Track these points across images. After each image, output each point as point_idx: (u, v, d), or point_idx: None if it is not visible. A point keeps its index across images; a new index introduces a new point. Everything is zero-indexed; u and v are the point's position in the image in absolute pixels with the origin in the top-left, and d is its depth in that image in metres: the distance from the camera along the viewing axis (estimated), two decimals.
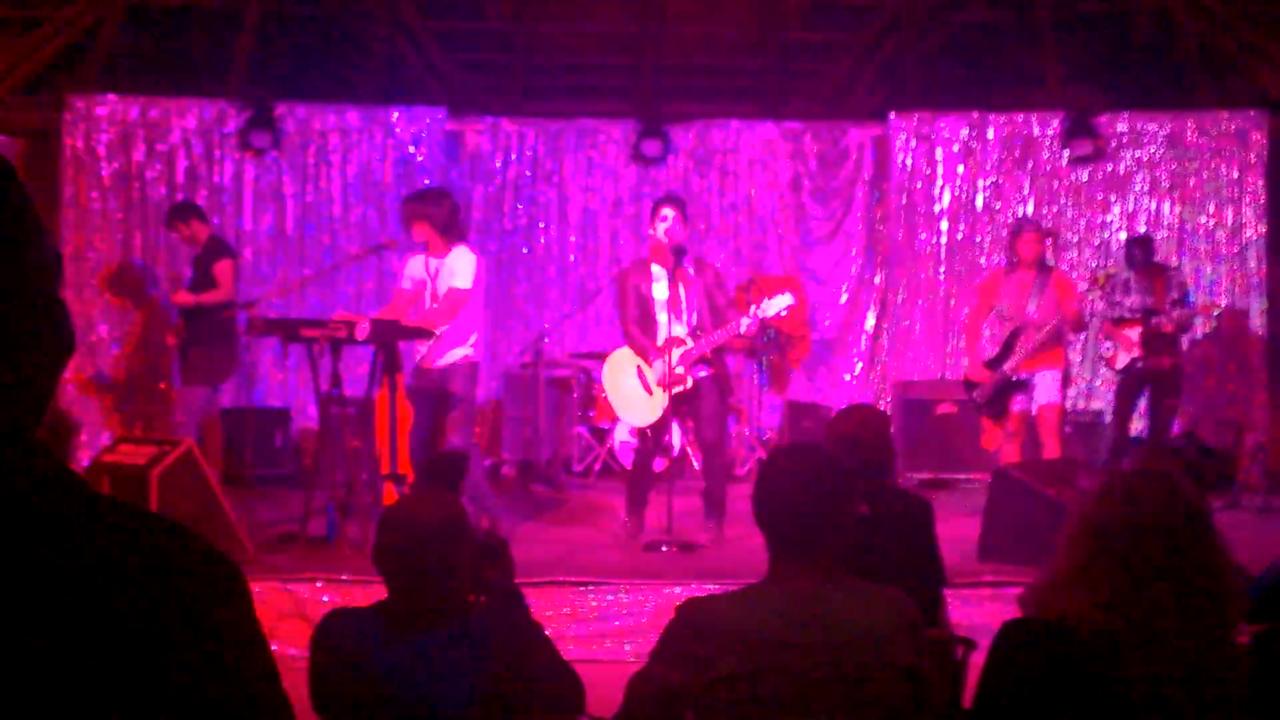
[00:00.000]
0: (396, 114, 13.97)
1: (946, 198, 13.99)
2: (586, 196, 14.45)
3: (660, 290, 9.44)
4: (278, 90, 13.90)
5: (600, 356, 10.62)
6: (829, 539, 3.51)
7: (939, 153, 13.99)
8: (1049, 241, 12.04)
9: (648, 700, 3.57)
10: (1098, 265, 13.38)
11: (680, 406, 9.53)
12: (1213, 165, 13.80)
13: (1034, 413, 10.51)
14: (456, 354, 9.20)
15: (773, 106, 14.92)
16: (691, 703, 3.44)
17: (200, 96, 13.73)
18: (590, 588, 8.20)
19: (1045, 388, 10.39)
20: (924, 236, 14.01)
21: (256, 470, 11.97)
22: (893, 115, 14.09)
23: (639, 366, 9.56)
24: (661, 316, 9.43)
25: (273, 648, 7.25)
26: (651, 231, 9.51)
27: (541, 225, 14.45)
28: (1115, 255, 13.23)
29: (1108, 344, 11.60)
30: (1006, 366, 10.48)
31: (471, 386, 9.32)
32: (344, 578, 8.14)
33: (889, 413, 11.22)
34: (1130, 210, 13.88)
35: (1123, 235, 13.46)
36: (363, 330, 8.57)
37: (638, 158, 14.23)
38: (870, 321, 14.56)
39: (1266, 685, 3.18)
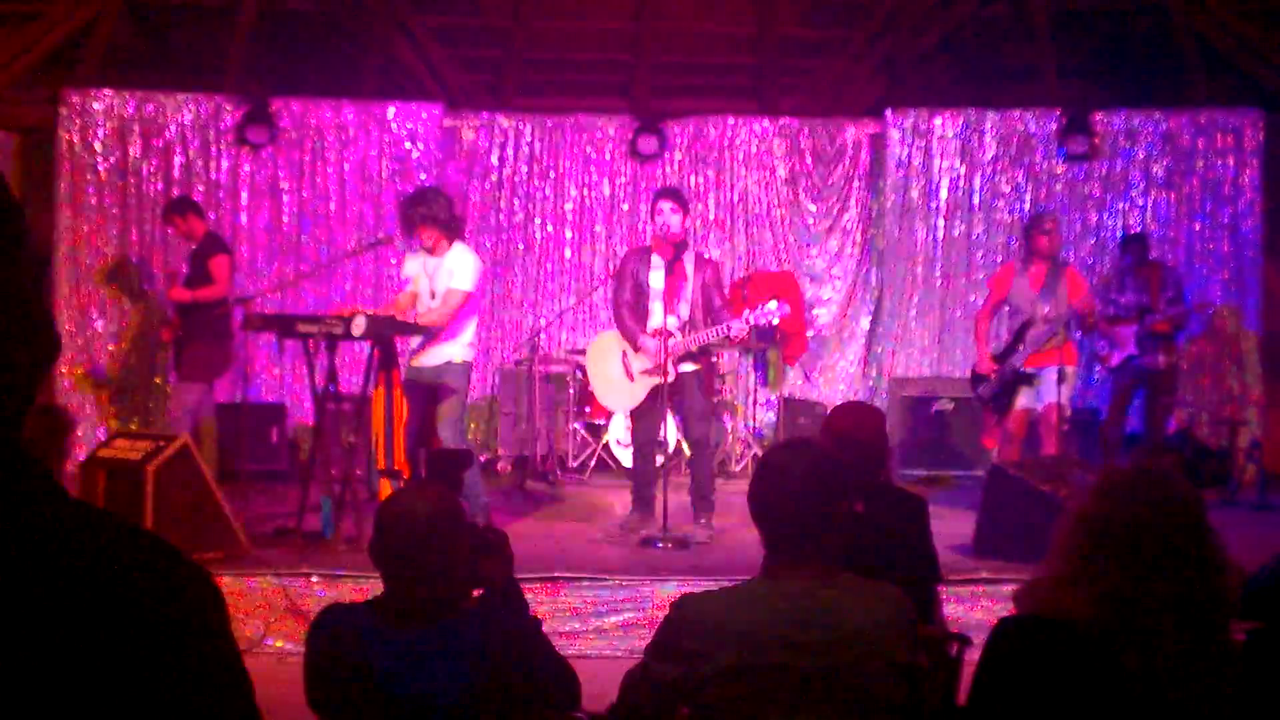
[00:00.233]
0: (393, 110, 13.96)
1: (943, 194, 13.99)
2: (583, 193, 14.44)
3: (656, 280, 9.45)
4: (274, 86, 13.90)
5: None
6: (825, 535, 3.51)
7: (935, 149, 13.99)
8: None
9: (643, 696, 3.57)
10: (1094, 262, 13.39)
11: (668, 400, 9.53)
12: (1209, 163, 13.80)
13: (1038, 410, 10.53)
14: (451, 352, 9.21)
15: (769, 103, 14.91)
16: (687, 698, 3.44)
17: (197, 92, 13.72)
18: (586, 583, 8.21)
19: (1050, 385, 10.41)
20: (920, 233, 14.02)
21: (252, 466, 11.96)
22: (889, 112, 14.09)
23: (624, 352, 9.57)
24: (655, 306, 9.44)
25: (268, 643, 7.29)
26: (652, 225, 9.54)
27: (537, 221, 14.44)
28: (1111, 252, 13.23)
29: (1103, 342, 11.61)
30: (1015, 359, 10.51)
31: (465, 384, 9.34)
32: (339, 573, 8.15)
33: (885, 409, 11.29)
34: (1126, 208, 13.88)
35: (1119, 233, 13.46)
36: (359, 326, 8.57)
37: (634, 154, 14.24)
38: (866, 318, 14.56)
39: (1261, 683, 3.19)
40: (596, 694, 3.90)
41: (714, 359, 10.35)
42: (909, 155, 14.02)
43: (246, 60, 14.14)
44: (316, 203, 13.96)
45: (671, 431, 9.95)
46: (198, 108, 13.72)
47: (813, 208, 14.58)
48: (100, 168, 13.59)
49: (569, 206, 14.45)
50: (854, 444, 5.20)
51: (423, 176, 13.71)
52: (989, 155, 13.98)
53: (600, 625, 8.09)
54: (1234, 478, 11.83)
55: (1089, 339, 11.77)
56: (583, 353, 10.33)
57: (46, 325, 1.47)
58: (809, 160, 14.51)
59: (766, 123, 14.47)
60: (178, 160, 13.73)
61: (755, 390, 13.95)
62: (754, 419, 13.91)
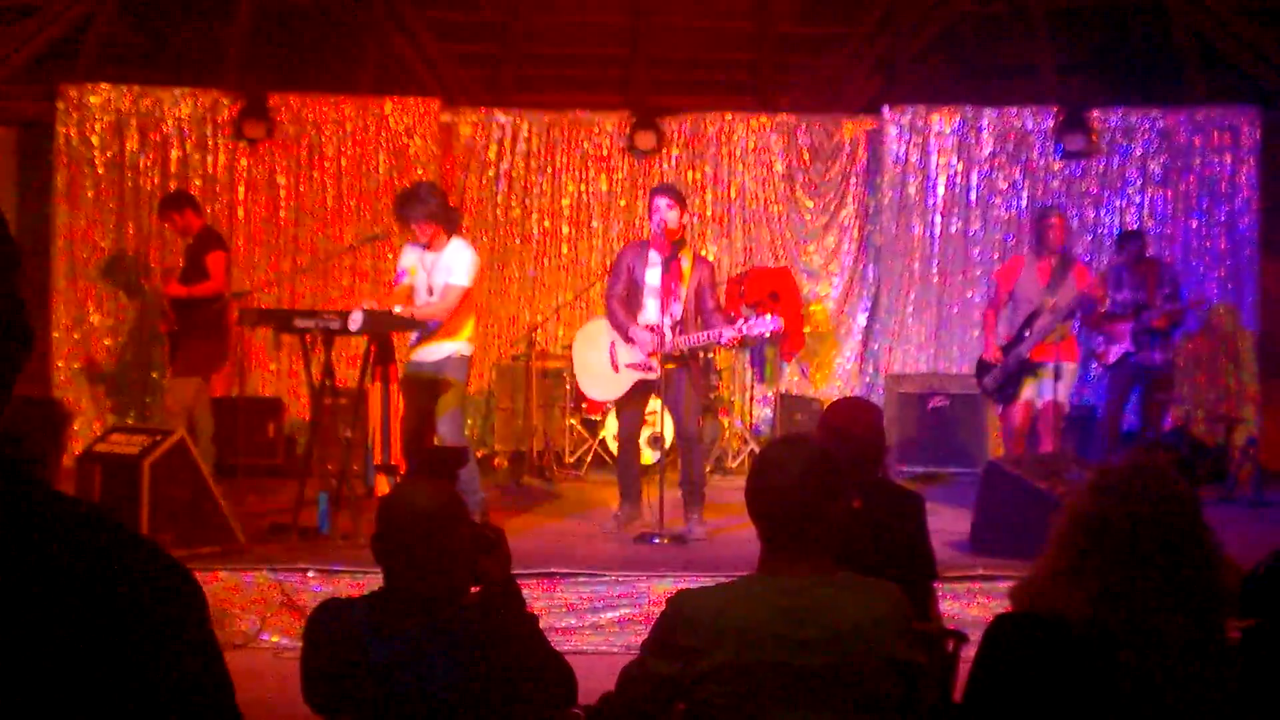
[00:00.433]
0: (390, 105, 13.96)
1: (940, 191, 13.99)
2: (580, 188, 14.44)
3: (652, 276, 9.44)
4: (272, 81, 13.89)
5: None
6: (821, 532, 3.52)
7: (933, 146, 13.99)
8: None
9: (640, 692, 3.57)
10: (1091, 259, 13.40)
11: (661, 396, 9.53)
12: (1206, 160, 13.80)
13: (1038, 405, 10.56)
14: (450, 347, 9.21)
15: (767, 99, 14.90)
16: (683, 694, 3.44)
17: (194, 86, 13.71)
18: (582, 579, 8.22)
19: (1048, 381, 10.45)
20: (917, 230, 14.01)
21: (248, 460, 11.96)
22: (886, 109, 14.08)
23: (612, 342, 9.57)
24: (649, 303, 9.43)
25: (264, 638, 7.30)
26: (650, 222, 9.53)
27: (535, 217, 14.44)
28: (1108, 249, 13.23)
29: (1099, 338, 11.61)
30: (1022, 349, 10.53)
31: (464, 379, 9.34)
32: (336, 568, 8.16)
33: (881, 406, 11.29)
34: (1123, 205, 13.89)
35: (1116, 230, 13.47)
36: (355, 321, 8.58)
37: (631, 150, 14.23)
38: (863, 315, 14.56)
39: (1257, 680, 3.19)
40: (593, 690, 3.90)
41: (709, 355, 10.36)
42: (906, 152, 14.01)
43: (244, 55, 14.13)
44: (313, 198, 13.95)
45: (668, 427, 9.95)
46: (195, 102, 13.72)
47: (810, 204, 14.57)
48: (97, 162, 13.58)
49: (566, 202, 14.44)
50: (851, 440, 5.20)
51: (420, 172, 13.69)
52: (986, 152, 13.97)
53: (597, 621, 8.10)
54: (1230, 475, 11.82)
55: (1087, 335, 11.78)
56: (576, 333, 10.35)
57: (18, 318, 1.45)
58: (806, 156, 14.51)
59: (764, 119, 14.46)
60: (175, 155, 13.72)
61: (752, 386, 13.94)
62: (751, 415, 13.90)
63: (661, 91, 14.91)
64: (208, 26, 14.13)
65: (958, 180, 13.99)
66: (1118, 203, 13.89)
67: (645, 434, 10.41)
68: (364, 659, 3.56)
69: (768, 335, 9.33)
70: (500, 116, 14.38)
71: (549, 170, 14.42)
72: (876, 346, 14.35)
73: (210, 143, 13.78)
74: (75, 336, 13.51)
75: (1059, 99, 13.94)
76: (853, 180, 14.56)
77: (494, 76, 14.97)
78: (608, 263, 12.56)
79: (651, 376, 9.35)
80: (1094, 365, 12.44)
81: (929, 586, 5.48)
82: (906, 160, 14.01)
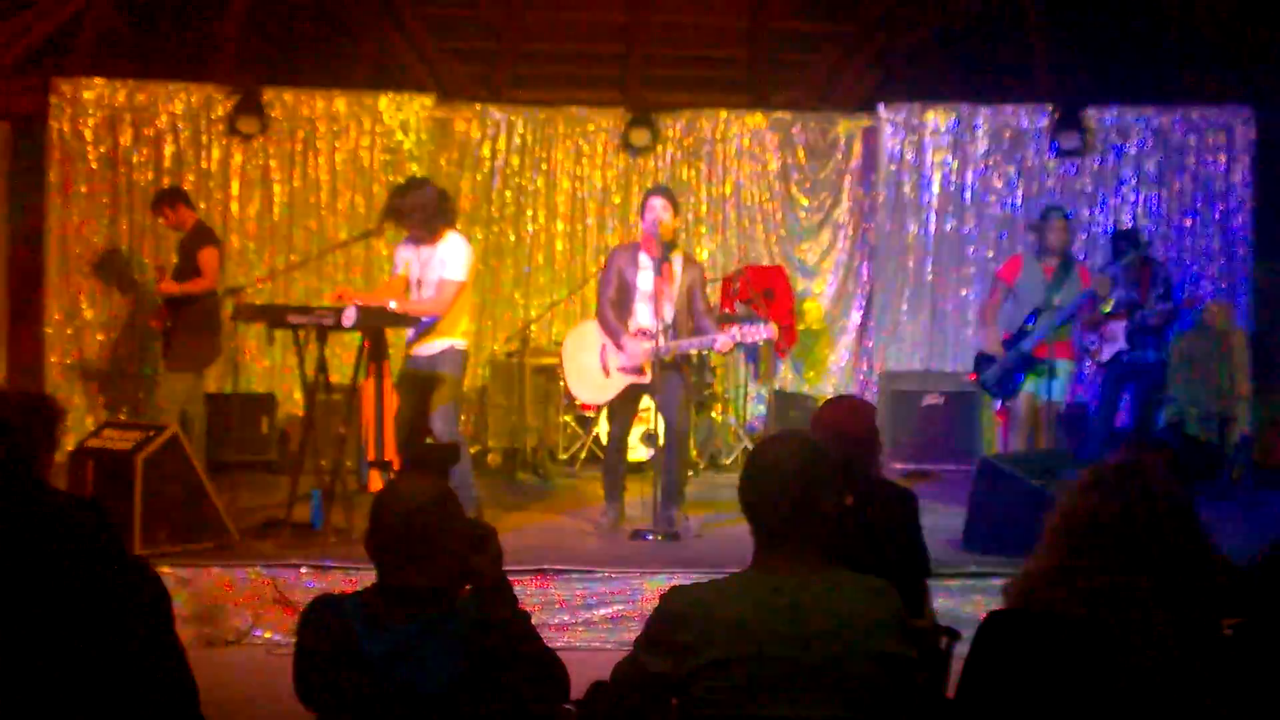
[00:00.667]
0: (385, 100, 13.95)
1: (935, 189, 13.99)
2: (575, 185, 14.44)
3: (644, 280, 9.41)
4: (266, 76, 13.88)
5: None
6: (814, 528, 3.52)
7: (928, 144, 13.99)
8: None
9: (633, 688, 3.57)
10: (1086, 259, 13.40)
11: (651, 395, 9.53)
12: (1200, 159, 13.82)
13: (1040, 402, 10.58)
14: (446, 343, 9.20)
15: (762, 96, 14.91)
16: (677, 691, 3.44)
17: (188, 81, 13.70)
18: (575, 576, 8.21)
19: (1055, 381, 10.48)
20: (912, 228, 14.01)
21: (242, 456, 11.95)
22: (881, 107, 14.09)
23: (603, 346, 9.55)
24: (640, 306, 9.41)
25: (257, 634, 7.31)
26: (642, 221, 9.51)
27: (529, 213, 14.45)
28: (1102, 248, 13.23)
29: (1092, 336, 11.61)
30: (1025, 345, 10.54)
31: (460, 374, 9.33)
32: (329, 564, 8.16)
33: (875, 403, 11.29)
34: (1117, 204, 13.90)
35: (1110, 228, 13.48)
36: (349, 317, 8.57)
37: (626, 147, 14.24)
38: (857, 312, 14.58)
39: (1248, 675, 3.19)
40: (586, 686, 3.90)
41: (703, 353, 10.36)
42: (901, 149, 14.02)
43: (238, 50, 14.13)
44: (307, 193, 13.95)
45: (660, 427, 9.94)
46: (189, 97, 13.71)
47: (805, 201, 14.59)
48: (90, 157, 13.57)
49: (561, 199, 14.45)
50: (845, 438, 5.19)
51: (414, 167, 13.69)
52: (981, 150, 13.98)
53: (589, 618, 8.09)
54: (1223, 472, 11.83)
55: (1081, 334, 11.78)
56: (566, 336, 10.35)
57: None
58: (801, 154, 14.52)
59: (759, 116, 14.47)
60: (168, 150, 13.71)
61: (746, 383, 13.95)
62: (745, 412, 13.91)
63: (657, 88, 14.92)
64: (202, 22, 14.12)
65: (952, 178, 14.00)
66: (1112, 201, 13.90)
67: (639, 431, 10.40)
68: (357, 655, 3.56)
69: (762, 342, 9.32)
70: (495, 113, 14.38)
71: (544, 167, 14.42)
72: (871, 344, 14.37)
73: (204, 138, 13.77)
74: (68, 332, 13.50)
75: (1054, 97, 13.95)
76: (848, 178, 14.57)
77: (489, 72, 14.98)
78: (602, 259, 12.56)
79: (643, 381, 9.33)
80: (1087, 363, 12.45)
81: (922, 583, 5.49)
82: (901, 158, 14.01)
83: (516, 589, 4.00)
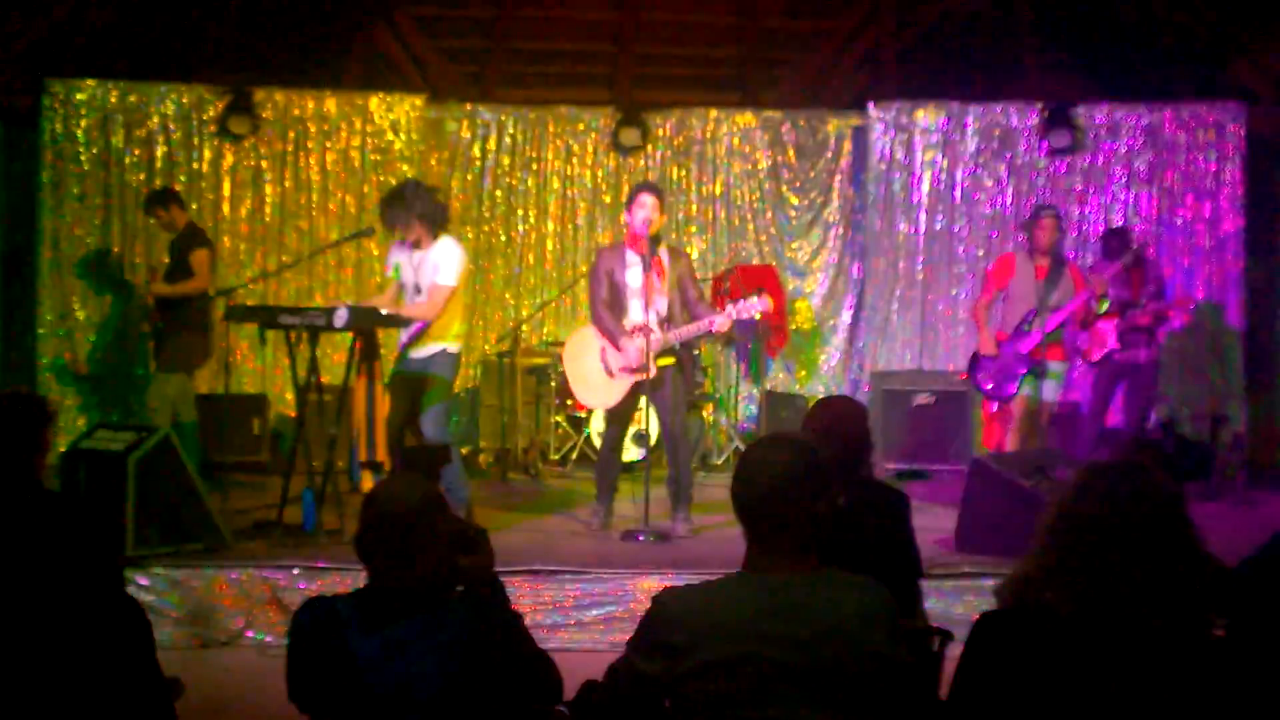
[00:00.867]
0: (375, 101, 13.94)
1: (925, 188, 13.98)
2: (565, 185, 14.44)
3: (634, 277, 9.42)
4: (257, 76, 13.86)
5: None
6: (806, 529, 3.52)
7: (918, 143, 13.99)
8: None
9: (625, 690, 3.58)
10: (1076, 256, 13.41)
11: (649, 394, 9.53)
12: (1191, 157, 13.81)
13: (1037, 403, 10.60)
14: (438, 346, 9.19)
15: (752, 96, 14.91)
16: (668, 692, 3.45)
17: (179, 82, 13.69)
18: (567, 577, 8.22)
19: (1051, 382, 10.51)
20: (902, 227, 14.00)
21: (233, 457, 11.94)
22: (871, 105, 14.08)
23: (602, 349, 9.56)
24: (633, 303, 9.42)
25: (249, 635, 7.33)
26: (628, 218, 9.51)
27: (520, 213, 14.44)
28: (1092, 247, 13.23)
29: (1084, 336, 11.62)
30: (1021, 346, 10.55)
31: (451, 377, 9.32)
32: (321, 565, 8.16)
33: (866, 403, 11.30)
34: (1108, 202, 13.90)
35: (1101, 226, 13.49)
36: (341, 318, 8.57)
37: (616, 146, 14.23)
38: (848, 312, 14.57)
39: (1240, 675, 3.20)
40: (577, 687, 3.91)
41: (695, 351, 10.38)
42: (891, 148, 14.01)
43: (229, 51, 14.11)
44: (298, 194, 13.93)
45: (653, 424, 9.95)
46: (180, 98, 13.69)
47: (795, 201, 14.58)
48: (83, 158, 13.55)
49: (551, 198, 14.44)
50: (836, 438, 5.19)
51: (405, 168, 13.69)
52: (971, 149, 13.97)
53: (581, 619, 8.09)
54: (1215, 472, 11.84)
55: (1072, 333, 11.78)
56: (565, 345, 10.36)
57: None
58: (791, 153, 14.52)
59: (749, 115, 14.47)
60: (160, 151, 13.69)
61: (737, 384, 13.96)
62: (736, 413, 13.92)
63: (647, 88, 14.92)
64: (193, 22, 14.10)
65: (943, 177, 13.99)
66: (1103, 200, 13.90)
67: (630, 431, 10.40)
68: (349, 656, 3.57)
69: (758, 316, 9.30)
70: (485, 112, 14.38)
71: (534, 166, 14.42)
72: (862, 344, 14.36)
73: (195, 139, 13.76)
74: (60, 333, 13.47)
75: (1044, 95, 13.94)
76: (838, 177, 14.57)
77: (479, 72, 14.96)
78: (593, 259, 12.57)
79: (647, 377, 9.32)
80: (1078, 362, 12.46)
81: (914, 584, 5.49)
82: (892, 157, 14.00)
83: (508, 590, 4.01)
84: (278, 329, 9.09)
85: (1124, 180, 13.89)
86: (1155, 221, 13.83)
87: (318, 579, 8.07)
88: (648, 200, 9.37)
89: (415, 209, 9.16)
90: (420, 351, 9.19)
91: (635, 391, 9.49)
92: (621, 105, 14.31)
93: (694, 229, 14.43)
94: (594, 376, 9.64)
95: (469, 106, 14.38)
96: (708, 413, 13.25)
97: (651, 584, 7.94)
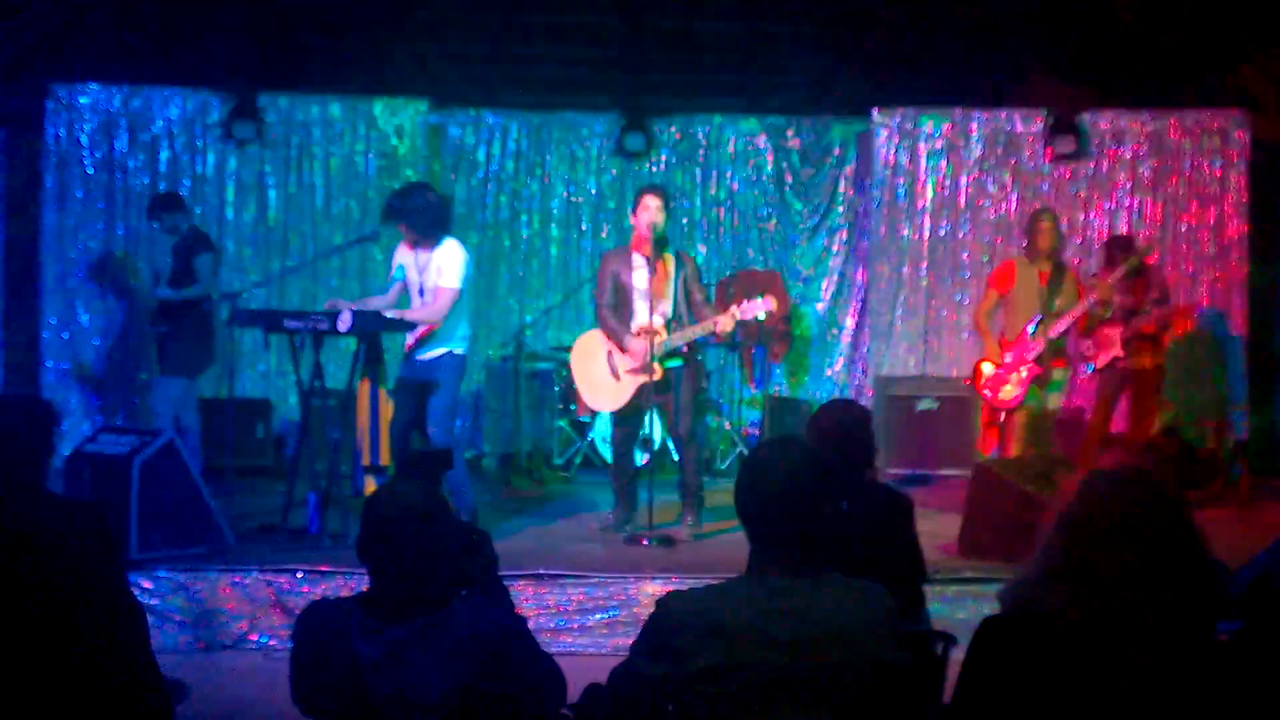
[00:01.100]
0: (380, 106, 13.95)
1: (929, 194, 13.96)
2: (569, 190, 14.44)
3: (639, 279, 9.44)
4: (261, 80, 13.86)
5: None
6: (810, 533, 3.52)
7: (922, 149, 13.98)
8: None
9: (629, 694, 3.58)
10: (1080, 263, 13.41)
11: (654, 397, 9.53)
12: (1195, 164, 13.79)
13: (1040, 411, 10.59)
14: (444, 348, 9.19)
15: (756, 101, 14.90)
16: (672, 696, 3.44)
17: (183, 86, 13.70)
18: (570, 581, 8.22)
19: (1054, 390, 10.50)
20: (906, 233, 13.97)
21: (237, 461, 11.94)
22: (875, 111, 14.06)
23: (609, 351, 9.57)
24: (639, 305, 9.43)
25: (253, 639, 7.34)
26: (634, 221, 9.52)
27: (524, 218, 14.44)
28: (1097, 253, 13.21)
29: (1087, 342, 11.61)
30: (1026, 353, 10.53)
31: (456, 380, 9.32)
32: (325, 569, 8.17)
33: (870, 408, 11.30)
34: (1112, 208, 13.88)
35: (1106, 233, 13.48)
36: (344, 322, 8.57)
37: (621, 152, 14.22)
38: (852, 317, 14.56)
39: (1244, 681, 3.20)
40: (581, 691, 3.91)
41: (699, 356, 10.37)
42: (895, 154, 13.99)
43: (233, 55, 14.10)
44: (302, 198, 13.93)
45: (656, 428, 9.96)
46: (184, 103, 13.70)
47: (799, 206, 14.58)
48: (86, 162, 13.56)
49: (555, 204, 14.44)
50: (840, 443, 5.20)
51: (409, 172, 13.69)
52: (975, 155, 13.95)
53: (585, 623, 8.11)
54: (1219, 478, 11.83)
55: (1076, 340, 11.77)
56: (569, 349, 10.37)
57: None
58: (795, 159, 14.52)
59: (753, 121, 14.48)
60: (164, 155, 13.70)
61: (741, 388, 13.96)
62: (740, 417, 13.92)
63: (651, 93, 14.91)
64: (197, 27, 14.10)
65: (947, 183, 13.97)
66: (1107, 206, 13.88)
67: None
68: (353, 659, 3.57)
69: (762, 317, 9.30)
70: (489, 117, 14.38)
71: (538, 172, 14.42)
72: (865, 349, 14.34)
73: (199, 143, 13.76)
74: (64, 336, 13.47)
75: (1048, 102, 13.93)
76: (841, 183, 14.57)
77: (483, 77, 14.95)
78: (596, 265, 12.57)
79: (653, 379, 9.33)
80: (1083, 368, 12.44)
81: (918, 589, 5.49)
82: (896, 163, 13.99)
83: (511, 594, 4.01)
84: (282, 333, 9.10)
85: (1128, 186, 13.87)
86: (1159, 227, 13.81)
87: (321, 582, 8.08)
88: (651, 202, 9.40)
89: (421, 210, 9.16)
90: (425, 355, 9.20)
91: (642, 393, 9.49)
92: (625, 111, 14.30)
93: (698, 235, 14.41)
94: (601, 379, 9.65)
95: (473, 112, 14.38)
96: (711, 418, 13.24)
97: (655, 588, 7.96)
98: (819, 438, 5.23)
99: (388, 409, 9.34)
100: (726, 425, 13.44)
